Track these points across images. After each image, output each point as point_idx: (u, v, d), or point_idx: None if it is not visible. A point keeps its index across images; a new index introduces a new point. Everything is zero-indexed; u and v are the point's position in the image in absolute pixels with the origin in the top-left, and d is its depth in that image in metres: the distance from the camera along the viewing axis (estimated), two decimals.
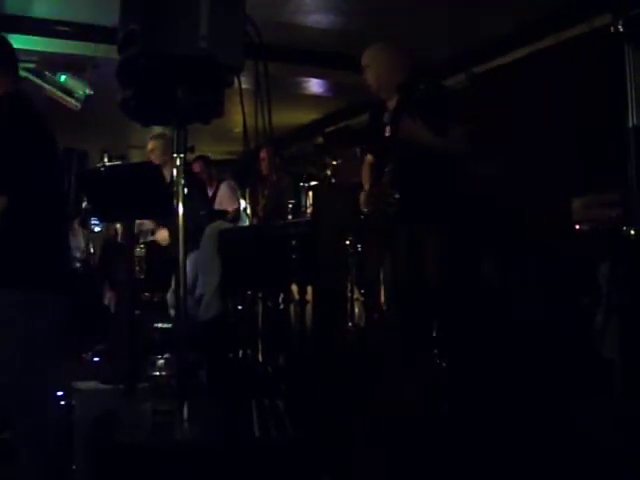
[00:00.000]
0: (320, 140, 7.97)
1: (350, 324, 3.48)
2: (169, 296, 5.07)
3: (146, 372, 3.36)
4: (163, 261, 4.68)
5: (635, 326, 3.26)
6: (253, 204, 5.61)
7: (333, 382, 2.76)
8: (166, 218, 4.74)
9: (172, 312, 5.02)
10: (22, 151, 2.32)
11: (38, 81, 5.44)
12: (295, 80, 6.66)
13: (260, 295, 3.71)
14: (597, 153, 4.35)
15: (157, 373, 3.23)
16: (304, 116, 8.21)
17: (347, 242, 3.31)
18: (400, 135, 3.30)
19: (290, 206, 5.11)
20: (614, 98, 3.92)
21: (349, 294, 3.47)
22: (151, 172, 3.60)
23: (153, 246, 4.97)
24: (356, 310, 3.71)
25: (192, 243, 4.47)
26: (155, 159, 4.88)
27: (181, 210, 2.19)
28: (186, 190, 2.18)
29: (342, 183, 3.90)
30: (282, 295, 3.41)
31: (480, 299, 3.76)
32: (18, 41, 4.81)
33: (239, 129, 2.36)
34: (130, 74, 2.10)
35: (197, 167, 6.26)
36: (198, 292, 4.68)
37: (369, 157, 3.75)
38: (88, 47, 5.29)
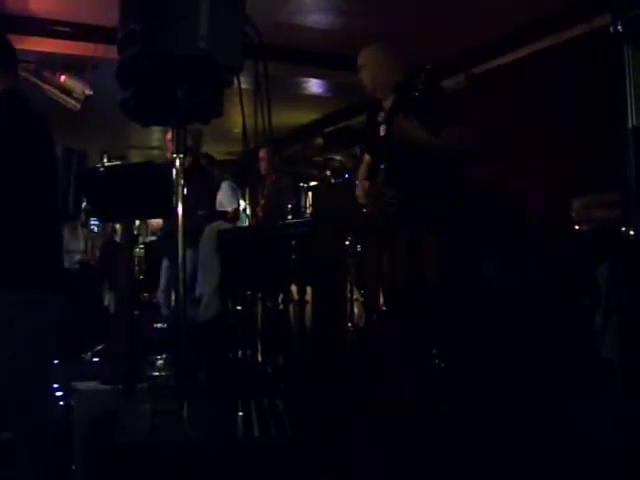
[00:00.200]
0: (319, 140, 7.99)
1: (350, 324, 3.47)
2: (159, 295, 5.09)
3: (146, 372, 3.36)
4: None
5: (634, 326, 3.26)
6: (252, 204, 5.60)
7: (332, 382, 2.76)
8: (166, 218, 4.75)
9: (164, 311, 5.03)
10: (20, 150, 2.32)
11: (38, 81, 5.44)
12: (295, 80, 6.66)
13: (259, 295, 3.71)
14: (597, 153, 4.35)
15: (157, 373, 3.23)
16: (304, 116, 8.21)
17: (347, 242, 3.31)
18: (395, 134, 3.31)
19: (290, 206, 5.11)
20: (614, 98, 3.92)
21: (349, 294, 3.46)
22: (151, 172, 3.60)
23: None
24: (356, 310, 3.70)
25: (190, 241, 4.47)
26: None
27: (180, 210, 2.20)
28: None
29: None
30: (281, 295, 3.41)
31: (479, 299, 3.75)
32: (18, 41, 4.82)
33: (238, 129, 2.36)
34: (130, 74, 2.10)
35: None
36: (197, 292, 4.68)
37: (367, 157, 3.76)
38: (88, 47, 5.29)
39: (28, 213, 2.35)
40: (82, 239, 7.88)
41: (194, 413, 2.17)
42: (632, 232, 3.43)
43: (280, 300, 3.41)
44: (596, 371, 3.45)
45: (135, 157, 9.32)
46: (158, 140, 8.65)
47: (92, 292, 6.31)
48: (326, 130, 8.12)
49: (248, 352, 3.71)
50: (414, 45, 5.02)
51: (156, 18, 1.97)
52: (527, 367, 3.48)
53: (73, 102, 5.61)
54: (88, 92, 5.57)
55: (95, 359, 4.62)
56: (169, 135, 5.00)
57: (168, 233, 5.21)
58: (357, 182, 3.75)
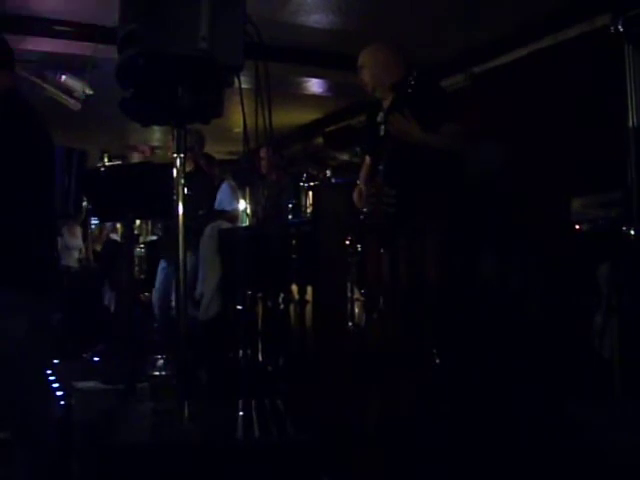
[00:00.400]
0: (320, 140, 7.99)
1: (350, 324, 3.47)
2: (153, 295, 5.09)
3: (146, 372, 3.37)
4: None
5: (634, 327, 3.26)
6: (253, 204, 5.60)
7: (333, 382, 2.76)
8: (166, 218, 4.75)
9: (156, 312, 5.04)
10: (16, 148, 2.31)
11: (38, 81, 5.44)
12: (295, 80, 6.65)
13: (260, 295, 3.71)
14: (597, 153, 4.35)
15: (157, 373, 3.23)
16: (304, 116, 8.21)
17: (347, 242, 3.31)
18: (390, 132, 3.32)
19: (290, 206, 5.11)
20: (614, 98, 3.92)
21: (349, 294, 3.46)
22: (150, 172, 3.60)
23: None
24: (356, 310, 3.70)
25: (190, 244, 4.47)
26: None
27: (181, 210, 2.20)
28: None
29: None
30: (282, 295, 3.41)
31: (479, 299, 3.76)
32: (18, 41, 4.82)
33: (239, 129, 2.36)
34: (130, 74, 2.10)
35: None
36: (198, 292, 4.68)
37: (367, 158, 3.77)
38: (88, 47, 5.29)
39: (22, 211, 2.34)
40: (81, 238, 7.90)
41: (194, 413, 2.18)
42: (632, 232, 3.44)
43: (281, 300, 3.40)
44: (596, 371, 3.45)
45: (135, 157, 9.32)
46: (158, 140, 8.66)
47: (92, 292, 6.32)
48: (327, 130, 8.12)
49: (249, 352, 3.71)
50: (414, 45, 5.03)
51: (156, 18, 1.97)
52: (527, 367, 3.48)
53: (73, 102, 5.61)
54: (88, 92, 5.57)
55: (95, 359, 4.63)
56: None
57: (168, 234, 5.22)
58: (358, 182, 3.75)
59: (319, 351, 2.94)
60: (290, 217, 5.08)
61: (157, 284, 5.09)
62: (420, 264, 3.13)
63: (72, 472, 2.80)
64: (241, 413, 2.47)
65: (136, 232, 6.33)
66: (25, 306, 2.31)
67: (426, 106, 3.26)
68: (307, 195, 5.20)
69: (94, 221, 7.89)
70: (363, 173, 3.76)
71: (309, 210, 5.07)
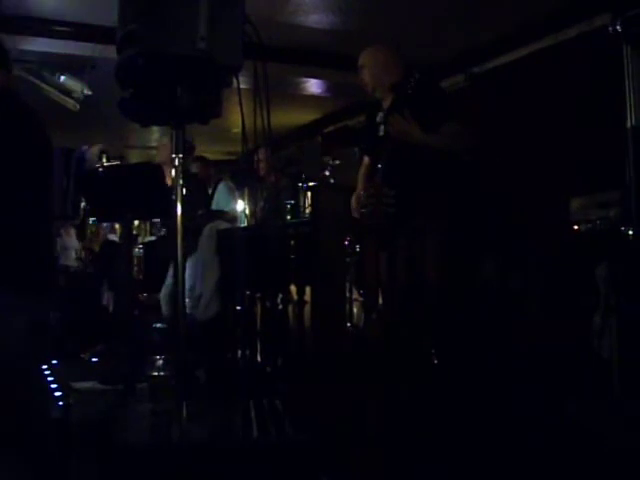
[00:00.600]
0: (319, 140, 7.99)
1: (349, 324, 3.47)
2: (162, 294, 5.07)
3: (145, 372, 3.36)
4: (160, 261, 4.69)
5: (633, 326, 3.27)
6: (251, 205, 5.59)
7: (332, 382, 2.76)
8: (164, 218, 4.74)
9: (164, 309, 5.02)
10: (12, 147, 2.30)
11: (37, 81, 5.43)
12: (294, 80, 6.65)
13: (259, 295, 3.71)
14: (596, 153, 4.35)
15: (156, 373, 3.23)
16: (303, 116, 8.20)
17: (346, 242, 3.31)
18: (390, 132, 3.32)
19: (288, 206, 5.11)
20: (613, 98, 3.92)
21: (348, 294, 3.46)
22: (150, 172, 3.60)
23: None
24: (355, 310, 3.70)
25: (189, 246, 4.47)
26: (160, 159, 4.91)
27: (179, 210, 2.20)
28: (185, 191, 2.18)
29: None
30: (281, 295, 3.40)
31: (479, 299, 3.76)
32: (18, 41, 4.82)
33: (237, 129, 2.36)
34: (129, 74, 2.10)
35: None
36: (197, 292, 4.67)
37: (365, 159, 3.76)
38: (87, 47, 5.28)
39: (21, 211, 2.33)
40: (75, 237, 7.90)
41: (193, 413, 2.17)
42: (631, 232, 3.44)
43: (279, 300, 3.40)
44: (595, 371, 3.45)
45: (134, 157, 9.33)
46: (157, 140, 8.66)
47: (91, 292, 6.31)
48: (326, 130, 8.12)
49: (247, 352, 3.71)
50: (414, 45, 5.03)
51: (155, 18, 1.97)
52: (526, 367, 3.48)
53: (72, 102, 5.61)
54: (87, 92, 5.57)
55: (95, 359, 4.62)
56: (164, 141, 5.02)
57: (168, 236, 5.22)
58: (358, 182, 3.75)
59: (318, 351, 2.93)
60: (289, 217, 5.07)
61: (164, 290, 5.07)
62: (420, 264, 3.13)
63: (71, 472, 2.80)
64: (240, 413, 2.47)
65: (135, 232, 6.31)
66: (25, 306, 2.31)
67: (426, 106, 3.26)
68: (306, 195, 5.20)
69: (91, 221, 7.88)
70: (361, 174, 3.76)
71: (308, 210, 5.06)
